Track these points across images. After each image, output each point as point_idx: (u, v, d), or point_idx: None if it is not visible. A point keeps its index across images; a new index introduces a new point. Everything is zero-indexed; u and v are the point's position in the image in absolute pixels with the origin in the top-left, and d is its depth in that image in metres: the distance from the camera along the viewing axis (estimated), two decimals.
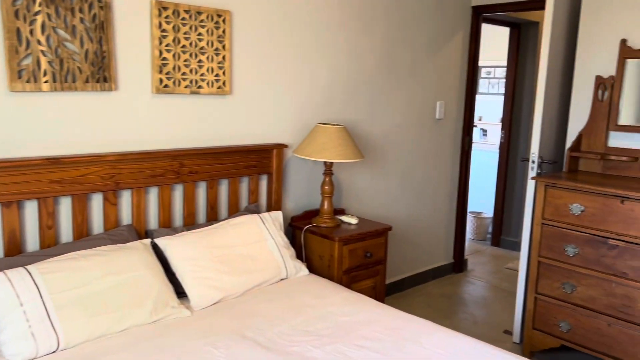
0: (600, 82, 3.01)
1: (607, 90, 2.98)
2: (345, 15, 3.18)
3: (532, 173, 3.03)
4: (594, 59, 3.05)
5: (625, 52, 2.90)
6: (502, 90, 5.53)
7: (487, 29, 5.09)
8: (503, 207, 5.10)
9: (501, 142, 5.07)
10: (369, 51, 3.36)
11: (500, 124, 5.17)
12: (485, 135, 7.98)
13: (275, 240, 2.61)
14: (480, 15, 4.03)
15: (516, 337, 3.17)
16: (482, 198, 5.61)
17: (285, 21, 2.89)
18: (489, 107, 7.84)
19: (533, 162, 3.04)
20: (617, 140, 3.00)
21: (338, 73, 3.21)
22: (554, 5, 2.90)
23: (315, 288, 2.48)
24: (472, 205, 5.75)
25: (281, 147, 2.89)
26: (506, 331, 3.33)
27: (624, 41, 2.90)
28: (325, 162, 2.92)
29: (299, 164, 3.09)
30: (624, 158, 2.90)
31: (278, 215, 2.77)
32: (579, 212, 2.71)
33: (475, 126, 8.07)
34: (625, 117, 2.92)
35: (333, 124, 2.89)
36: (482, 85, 7.94)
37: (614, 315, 2.63)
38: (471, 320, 3.49)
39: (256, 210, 2.80)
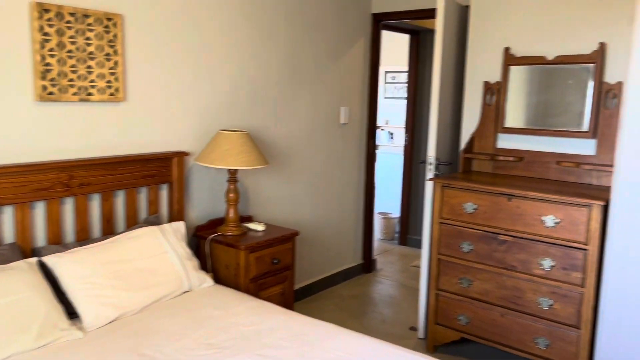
0: (488, 87, 3.21)
1: (495, 95, 3.18)
2: (246, 20, 3.15)
3: (429, 174, 3.17)
4: (482, 66, 3.24)
5: (509, 59, 3.11)
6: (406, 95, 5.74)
7: (390, 36, 5.28)
8: (409, 207, 5.30)
9: (405, 145, 5.26)
10: (272, 56, 3.36)
11: (404, 127, 5.37)
12: (392, 138, 8.25)
13: (177, 252, 2.53)
14: (379, 23, 4.16)
15: (421, 332, 3.29)
16: (389, 199, 5.80)
17: (183, 25, 2.81)
18: (396, 111, 8.11)
19: (430, 164, 3.17)
20: (505, 141, 3.21)
21: (240, 78, 3.18)
22: (444, 16, 3.05)
23: (220, 299, 2.42)
24: (380, 206, 5.92)
25: (182, 155, 2.80)
26: (412, 328, 3.45)
27: (507, 49, 3.11)
28: (229, 170, 2.88)
29: (202, 172, 3.02)
30: (510, 158, 3.11)
31: (180, 225, 2.68)
32: (472, 211, 2.86)
33: (383, 129, 8.33)
34: (511, 120, 3.14)
35: (236, 130, 2.85)
36: (389, 89, 8.21)
37: (506, 306, 2.80)
38: (379, 319, 3.59)
39: (156, 222, 2.70)
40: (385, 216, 5.51)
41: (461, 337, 3.01)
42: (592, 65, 2.83)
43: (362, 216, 4.39)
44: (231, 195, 2.90)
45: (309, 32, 3.61)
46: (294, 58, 3.52)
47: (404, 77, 6.94)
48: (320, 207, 3.92)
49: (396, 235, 5.53)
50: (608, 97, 2.80)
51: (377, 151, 6.50)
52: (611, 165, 2.70)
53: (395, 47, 8.08)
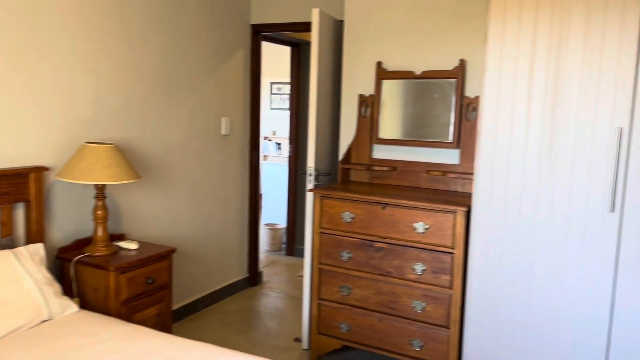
0: (362, 100, 3.32)
1: (369, 107, 3.30)
2: (116, 26, 2.97)
3: (309, 185, 3.20)
4: (357, 79, 3.35)
5: (381, 73, 3.24)
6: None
7: (275, 47, 5.30)
8: (295, 217, 5.32)
9: (290, 156, 5.29)
10: (146, 65, 3.20)
11: (289, 138, 5.40)
12: (279, 148, 8.29)
13: (35, 278, 2.29)
14: (259, 34, 4.15)
15: (305, 343, 3.30)
16: (277, 210, 5.80)
17: (41, 31, 2.58)
18: (282, 122, 8.16)
19: (310, 174, 3.21)
20: (380, 152, 3.33)
21: (109, 88, 2.99)
22: (318, 29, 3.11)
23: (85, 326, 2.23)
24: (268, 217, 5.89)
25: (40, 170, 2.56)
26: (296, 339, 3.44)
27: (379, 63, 3.25)
28: (95, 185, 2.68)
29: (66, 189, 2.78)
30: (385, 168, 3.23)
31: (38, 248, 2.44)
32: (350, 220, 2.93)
33: (270, 140, 8.33)
34: (385, 131, 3.27)
35: (103, 143, 2.67)
36: (275, 100, 8.24)
37: (384, 312, 2.89)
38: (265, 333, 3.54)
39: (10, 245, 2.44)
40: (272, 227, 5.49)
41: (343, 345, 3.06)
42: (454, 80, 3.03)
43: (247, 228, 4.33)
44: (99, 212, 2.70)
45: (185, 41, 3.50)
46: (169, 68, 3.39)
47: (289, 89, 7.01)
48: (201, 221, 3.80)
49: (283, 246, 5.53)
50: (469, 110, 3.02)
51: (265, 162, 6.45)
52: (472, 174, 2.91)
53: (279, 59, 8.13)
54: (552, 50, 2.31)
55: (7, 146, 2.49)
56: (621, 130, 2.19)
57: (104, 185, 2.70)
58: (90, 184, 2.77)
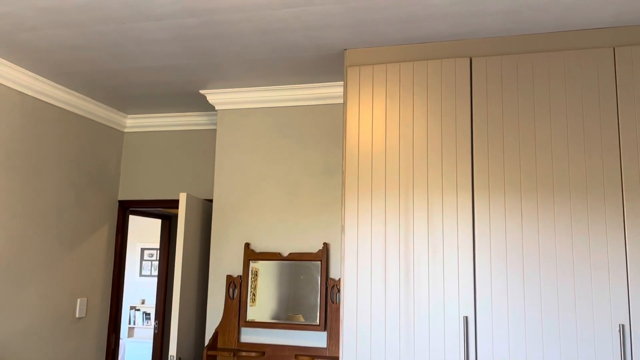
0: (230, 280, 3.27)
1: (237, 288, 3.25)
2: None
3: None
4: (225, 259, 3.33)
5: (249, 254, 3.27)
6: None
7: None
8: None
9: (155, 333, 4.92)
10: None
11: (155, 311, 5.07)
12: (148, 319, 7.71)
13: None
14: (127, 209, 4.07)
15: None
16: None
17: None
18: (153, 290, 7.71)
19: None
20: (248, 335, 3.22)
21: None
22: (185, 214, 3.13)
23: None
24: None
25: None
26: None
27: (247, 245, 3.29)
28: None
29: None
30: (253, 353, 3.10)
31: None
32: None
33: (138, 309, 7.76)
34: (253, 313, 3.19)
35: None
36: (145, 267, 7.87)
37: None
38: None
39: None
40: None
41: None
42: (318, 262, 3.13)
43: None
44: None
45: (42, 219, 3.31)
46: (18, 246, 3.13)
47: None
48: None
49: None
50: (333, 291, 3.09)
51: (129, 338, 5.98)
52: (338, 358, 2.88)
53: (153, 223, 7.97)
54: (401, 239, 2.50)
55: None
56: (466, 319, 2.34)
57: None
58: None
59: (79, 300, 3.62)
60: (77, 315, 3.59)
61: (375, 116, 2.64)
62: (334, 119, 3.31)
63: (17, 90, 3.13)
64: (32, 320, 3.22)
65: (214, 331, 3.23)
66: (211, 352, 3.14)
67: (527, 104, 2.45)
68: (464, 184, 2.46)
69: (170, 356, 2.98)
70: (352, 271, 2.57)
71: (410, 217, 2.51)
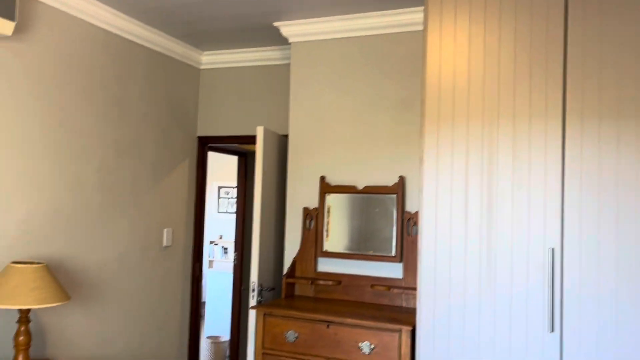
0: (307, 212, 3.34)
1: (313, 220, 3.32)
2: (52, 136, 2.93)
3: (252, 302, 3.09)
4: (301, 192, 3.39)
5: (324, 187, 3.30)
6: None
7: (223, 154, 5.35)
8: (239, 330, 5.08)
9: (234, 264, 5.16)
10: (84, 177, 3.14)
11: (234, 245, 5.30)
12: (226, 253, 8.10)
13: None
14: (205, 145, 4.20)
15: None
16: (221, 320, 5.54)
17: None
18: (230, 226, 8.04)
19: (253, 290, 3.11)
20: (324, 265, 3.30)
21: (43, 202, 2.88)
22: (263, 147, 3.18)
23: None
24: (210, 329, 5.61)
25: None
26: None
27: (323, 178, 3.31)
28: (19, 309, 2.49)
29: None
30: (330, 282, 3.19)
31: None
32: (294, 339, 2.81)
33: (216, 244, 8.16)
34: (330, 244, 3.26)
35: (32, 262, 2.52)
36: (222, 204, 8.20)
37: None
38: None
39: None
40: (214, 340, 5.21)
41: None
42: (394, 195, 3.12)
43: (187, 345, 4.08)
44: (21, 338, 2.49)
45: (129, 153, 3.48)
46: (110, 179, 3.34)
47: (236, 192, 7.01)
48: (136, 337, 3.56)
49: None
50: (410, 224, 3.08)
51: (209, 270, 6.27)
52: (415, 289, 2.90)
53: (227, 164, 8.22)
54: (484, 170, 2.43)
55: None
56: (553, 250, 2.27)
57: (28, 309, 2.51)
58: (14, 309, 2.57)
59: (165, 230, 3.84)
60: (164, 244, 3.83)
61: (458, 43, 2.51)
62: (412, 48, 3.19)
63: (100, 28, 3.23)
64: (124, 248, 3.46)
65: (292, 261, 3.34)
66: (290, 280, 3.26)
67: (628, 28, 2.23)
68: (554, 112, 2.32)
69: (252, 282, 3.12)
70: (431, 203, 2.53)
71: (494, 148, 2.41)
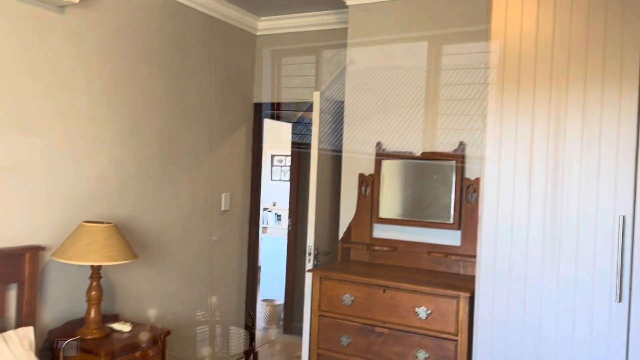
0: (362, 179, 3.33)
1: (369, 186, 3.31)
2: (115, 104, 3.04)
3: (309, 265, 3.15)
4: (357, 158, 3.38)
5: (380, 153, 3.27)
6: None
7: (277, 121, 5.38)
8: (294, 293, 5.20)
9: (289, 230, 5.25)
10: (148, 143, 3.24)
11: (288, 211, 5.38)
12: (279, 220, 8.24)
13: None
14: (262, 112, 4.23)
15: None
16: (275, 284, 5.68)
17: (39, 110, 2.63)
18: (283, 193, 8.16)
19: (309, 254, 3.16)
20: (380, 231, 3.30)
21: (110, 165, 3.00)
22: (319, 112, 3.18)
23: None
24: (265, 292, 5.76)
25: (36, 250, 2.53)
26: None
27: (379, 144, 3.29)
28: (91, 266, 2.63)
29: (61, 268, 2.73)
30: (385, 248, 3.19)
31: (28, 332, 2.36)
32: (350, 302, 2.85)
33: (270, 211, 8.30)
34: (385, 210, 3.25)
35: (102, 222, 2.65)
36: (275, 172, 8.30)
37: None
38: None
39: (1, 328, 2.36)
40: (269, 303, 5.36)
41: None
42: (452, 162, 3.06)
43: (244, 306, 4.22)
44: (93, 293, 2.64)
45: (188, 118, 3.57)
46: (171, 144, 3.43)
47: (289, 160, 7.07)
48: (196, 299, 3.71)
49: (281, 323, 5.37)
50: (469, 191, 3.03)
51: (264, 235, 6.37)
52: (474, 256, 2.86)
53: (282, 131, 8.25)
54: (550, 136, 2.33)
55: (2, 225, 2.47)
56: (624, 218, 2.17)
57: (99, 266, 2.65)
58: (86, 265, 2.72)
59: (223, 195, 3.94)
60: (222, 208, 3.93)
61: (526, 1, 2.39)
62: (475, 9, 3.07)
63: None
64: (185, 211, 3.58)
65: (347, 226, 3.36)
66: (345, 245, 3.28)
67: None
68: (629, 76, 2.18)
69: (308, 246, 3.17)
70: (493, 169, 2.47)
71: (563, 112, 2.31)
